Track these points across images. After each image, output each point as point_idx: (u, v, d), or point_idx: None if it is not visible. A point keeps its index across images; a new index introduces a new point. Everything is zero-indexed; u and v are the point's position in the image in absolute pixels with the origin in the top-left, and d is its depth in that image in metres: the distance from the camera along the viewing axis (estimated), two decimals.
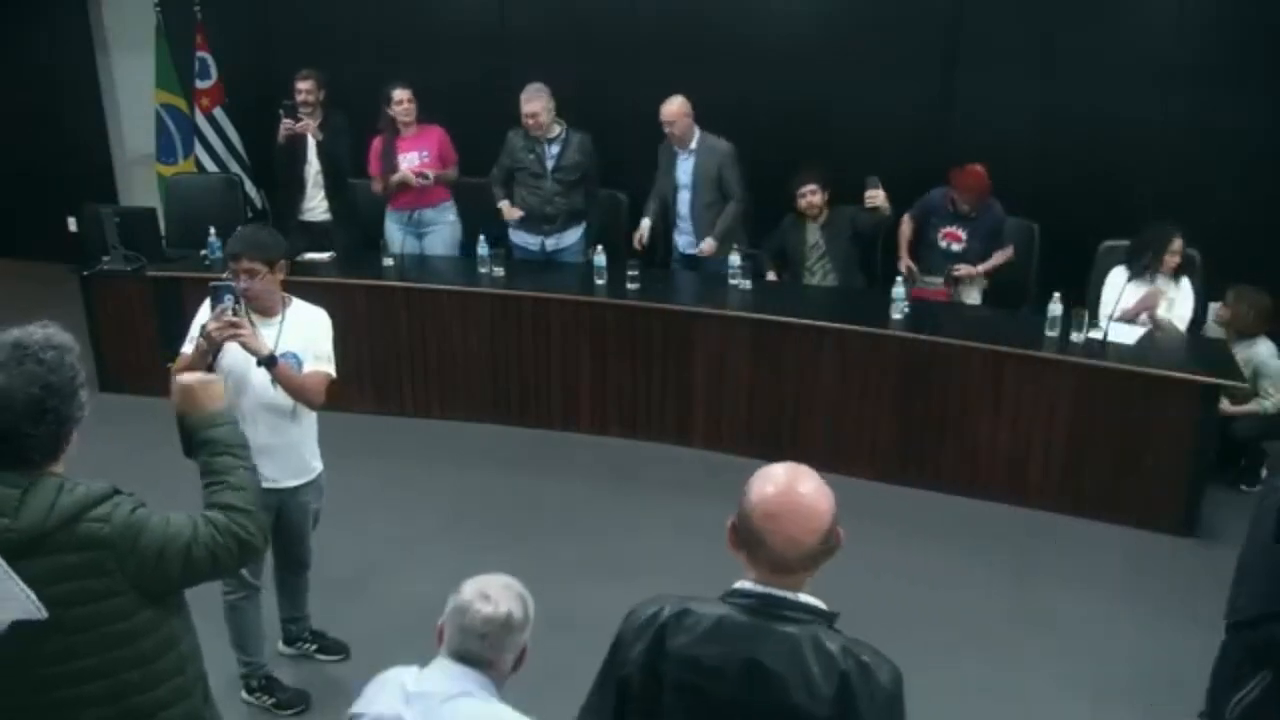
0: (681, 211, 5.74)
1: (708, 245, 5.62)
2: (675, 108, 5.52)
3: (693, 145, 5.61)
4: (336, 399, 5.46)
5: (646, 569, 4.39)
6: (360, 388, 5.74)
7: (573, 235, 5.89)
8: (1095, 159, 5.95)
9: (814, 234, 5.52)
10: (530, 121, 5.57)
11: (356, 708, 2.04)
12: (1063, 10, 5.88)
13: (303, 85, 5.92)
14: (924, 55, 6.14)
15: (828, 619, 1.75)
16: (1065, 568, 4.46)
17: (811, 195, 5.40)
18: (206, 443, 2.13)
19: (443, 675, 1.99)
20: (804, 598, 1.75)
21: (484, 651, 2.00)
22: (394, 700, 1.99)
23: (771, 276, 5.70)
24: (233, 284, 3.20)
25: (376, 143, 5.91)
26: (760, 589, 1.75)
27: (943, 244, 5.42)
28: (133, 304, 5.89)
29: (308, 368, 3.33)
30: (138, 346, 5.84)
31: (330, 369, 3.37)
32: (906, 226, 5.57)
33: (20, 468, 1.89)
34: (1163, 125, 5.83)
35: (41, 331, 1.93)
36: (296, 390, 3.28)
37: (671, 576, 4.30)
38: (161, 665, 2.01)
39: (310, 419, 3.46)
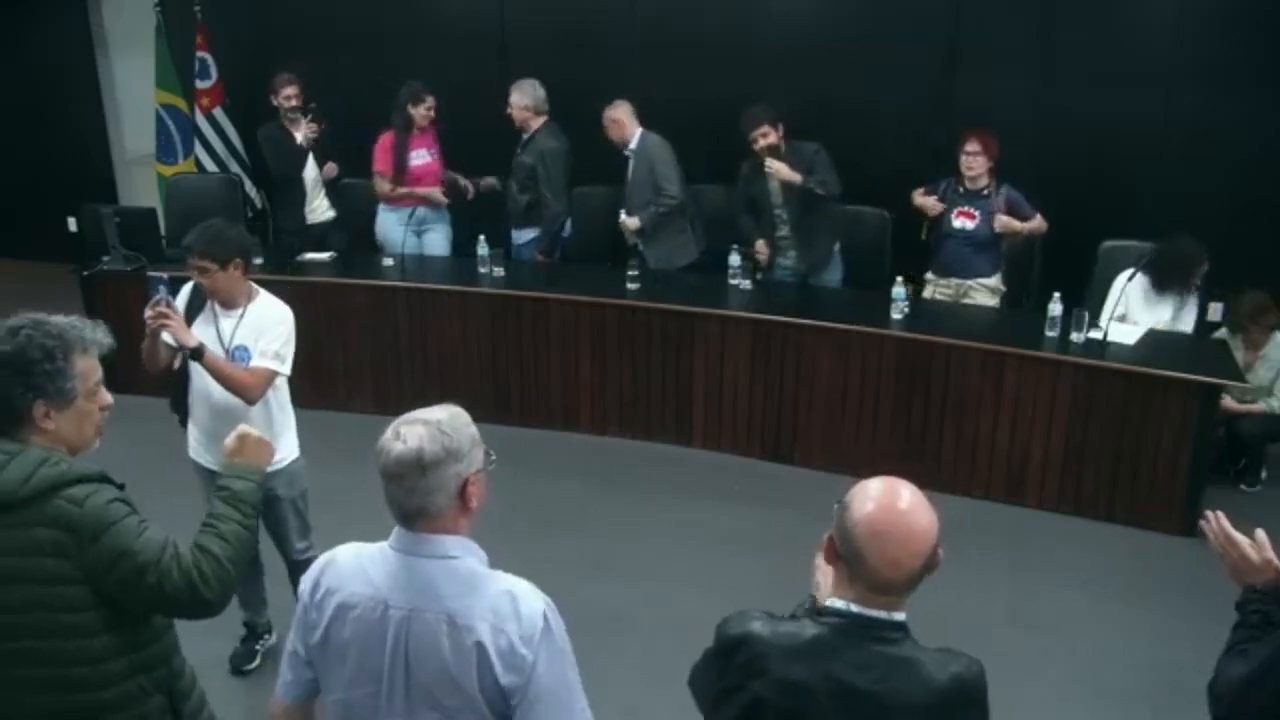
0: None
1: (631, 220, 5.68)
2: (604, 114, 5.65)
3: (632, 146, 5.67)
4: (336, 399, 5.55)
5: (646, 569, 4.40)
6: (360, 388, 5.75)
7: (526, 235, 5.96)
8: (1095, 159, 5.95)
9: (774, 180, 5.38)
10: (510, 113, 5.74)
11: (321, 581, 1.92)
12: (1063, 10, 5.88)
13: (290, 90, 5.93)
14: (924, 55, 6.14)
15: (908, 631, 1.74)
16: (1065, 568, 4.46)
17: (764, 138, 5.27)
18: (225, 488, 2.16)
19: (409, 542, 1.86)
20: (897, 616, 1.73)
21: (408, 501, 1.82)
22: (368, 582, 1.87)
23: (761, 251, 5.53)
24: (164, 275, 3.39)
25: (385, 139, 5.93)
26: (854, 609, 1.72)
27: (957, 223, 5.28)
28: (133, 304, 5.88)
29: (253, 363, 3.35)
30: (137, 346, 5.80)
31: (275, 365, 3.36)
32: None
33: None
34: (1163, 125, 5.83)
35: (58, 319, 1.99)
36: (226, 382, 3.31)
37: (671, 577, 4.32)
38: (112, 667, 1.99)
39: (272, 408, 3.46)
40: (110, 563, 1.92)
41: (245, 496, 2.16)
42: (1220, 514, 2.01)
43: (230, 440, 2.24)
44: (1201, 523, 2.03)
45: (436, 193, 5.97)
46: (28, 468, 1.89)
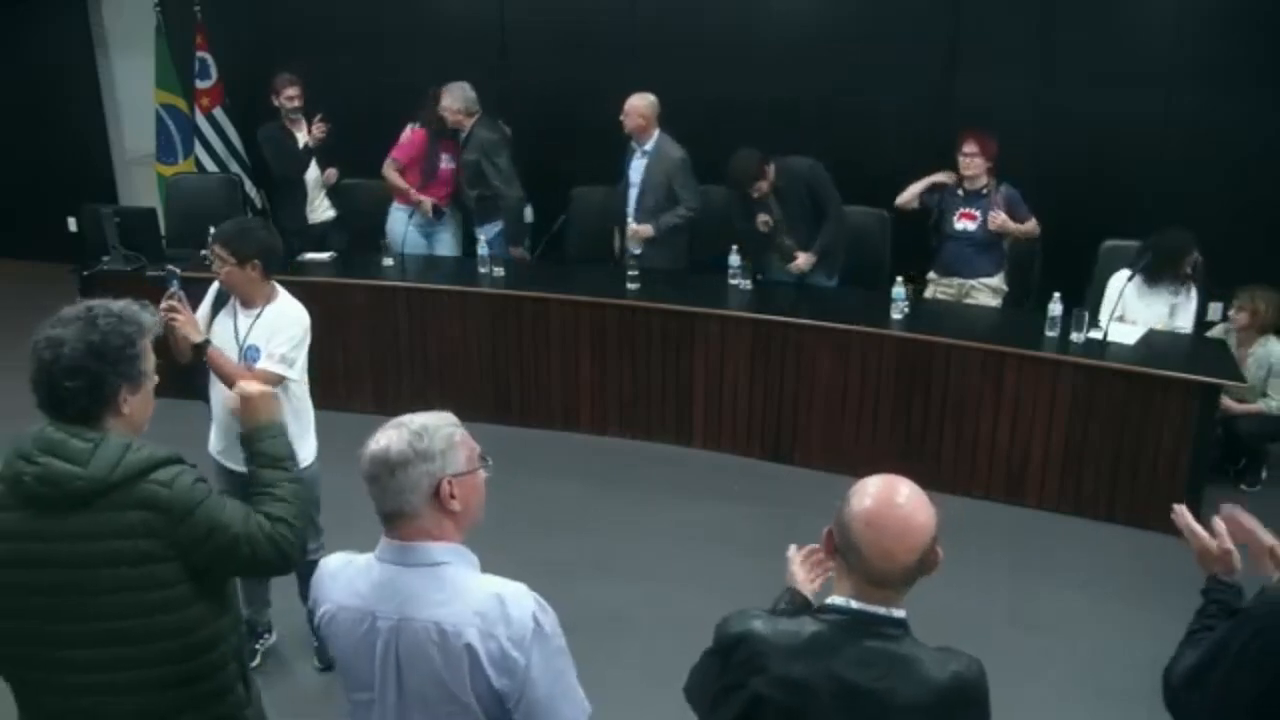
0: (629, 210, 5.75)
1: (644, 229, 5.63)
2: (631, 102, 5.58)
3: (648, 146, 5.63)
4: (336, 399, 5.54)
5: (646, 569, 4.40)
6: (360, 388, 5.75)
7: (490, 230, 5.95)
8: (1095, 159, 5.96)
9: (774, 208, 5.34)
10: (444, 116, 5.77)
11: (311, 593, 1.97)
12: (1063, 10, 5.88)
13: (292, 91, 5.97)
14: (924, 55, 6.14)
15: (908, 628, 1.74)
16: (1065, 568, 4.46)
17: (762, 184, 5.22)
18: (257, 454, 2.25)
19: (396, 552, 1.87)
20: (897, 613, 1.73)
21: (384, 500, 1.84)
22: (355, 594, 1.88)
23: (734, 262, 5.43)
24: (177, 270, 3.48)
25: (419, 134, 5.92)
26: (854, 605, 1.73)
27: (959, 225, 5.30)
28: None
29: (258, 364, 3.36)
30: None
31: (279, 368, 3.36)
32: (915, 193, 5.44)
33: (65, 420, 1.98)
34: (1163, 125, 5.84)
35: (120, 304, 2.07)
36: (227, 380, 3.31)
37: (671, 577, 4.32)
38: (197, 638, 2.05)
39: (294, 408, 3.44)
40: (203, 537, 1.99)
41: (279, 452, 2.26)
42: (1184, 508, 2.09)
43: (232, 401, 2.32)
44: (1172, 515, 2.09)
45: (428, 204, 5.95)
46: (113, 454, 1.95)
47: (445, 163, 5.98)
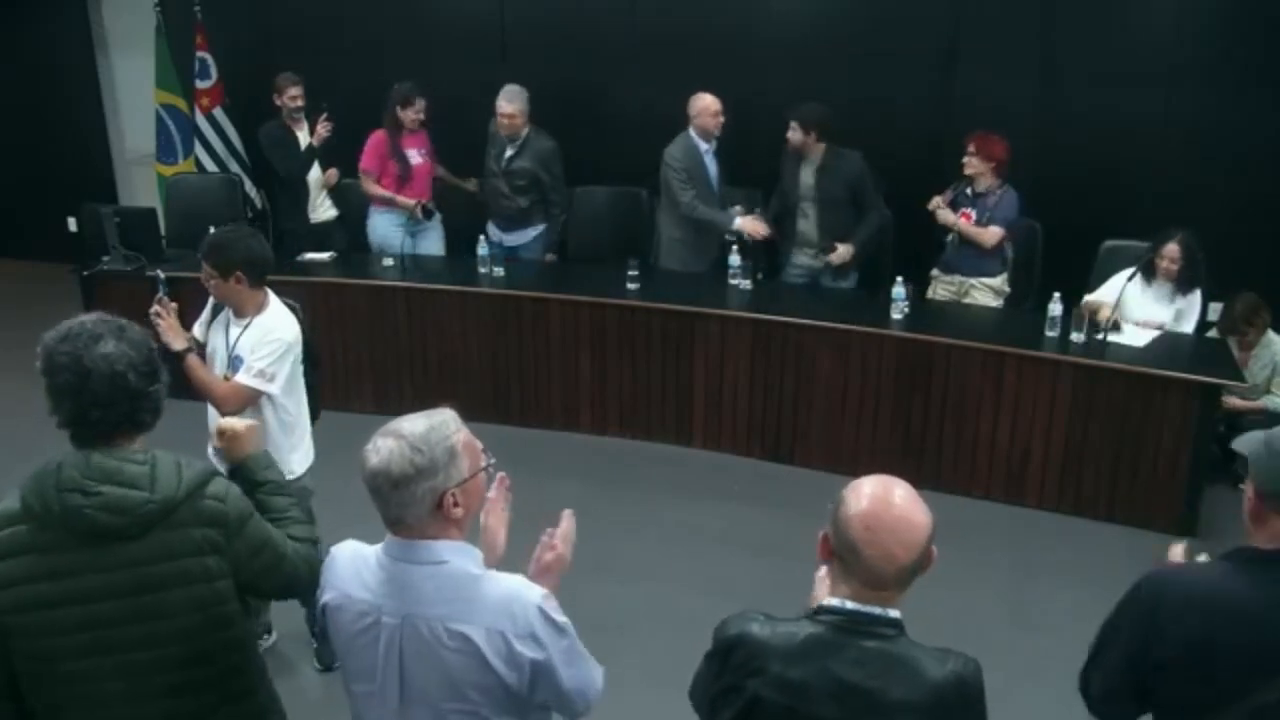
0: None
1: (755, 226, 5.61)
2: (713, 101, 5.56)
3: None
4: (336, 399, 5.54)
5: (646, 569, 4.40)
6: (360, 388, 5.75)
7: (528, 234, 5.95)
8: (1096, 159, 5.95)
9: (808, 175, 5.39)
10: (504, 121, 5.69)
11: (324, 589, 1.96)
12: (1063, 10, 5.88)
13: (295, 90, 5.96)
14: (924, 55, 6.14)
15: (903, 628, 1.75)
16: (1065, 568, 4.46)
17: (790, 134, 5.27)
18: (263, 483, 2.22)
19: (400, 549, 1.87)
20: (893, 613, 1.73)
21: (386, 510, 1.83)
22: (363, 587, 1.88)
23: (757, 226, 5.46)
24: (161, 275, 3.64)
25: (378, 137, 5.87)
26: (850, 606, 1.73)
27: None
28: (133, 304, 5.87)
29: (236, 377, 3.34)
30: None
31: (255, 382, 3.31)
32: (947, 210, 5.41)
33: (118, 437, 1.90)
34: (1163, 125, 5.84)
35: (106, 315, 1.97)
36: (200, 390, 3.33)
37: (671, 577, 4.33)
38: (247, 653, 2.06)
39: (270, 425, 3.37)
40: (254, 552, 1.98)
41: (281, 479, 2.27)
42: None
43: (222, 443, 2.29)
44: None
45: (417, 207, 5.91)
46: (171, 472, 1.90)
47: (415, 158, 5.93)
